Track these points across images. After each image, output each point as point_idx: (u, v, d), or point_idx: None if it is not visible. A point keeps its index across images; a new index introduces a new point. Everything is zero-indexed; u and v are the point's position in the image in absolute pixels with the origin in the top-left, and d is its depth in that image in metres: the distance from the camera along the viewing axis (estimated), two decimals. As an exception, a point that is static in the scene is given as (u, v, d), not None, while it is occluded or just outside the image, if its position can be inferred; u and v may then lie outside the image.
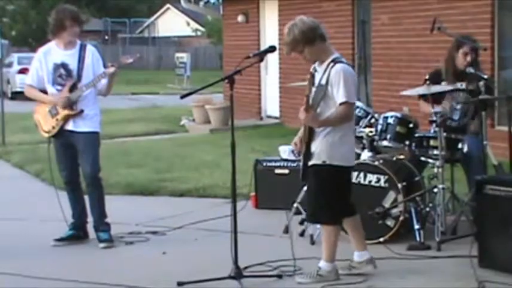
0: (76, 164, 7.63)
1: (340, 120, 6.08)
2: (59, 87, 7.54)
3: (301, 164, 6.26)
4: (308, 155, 6.15)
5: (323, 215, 6.23)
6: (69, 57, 7.54)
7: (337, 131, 6.10)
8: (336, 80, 6.00)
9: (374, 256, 6.47)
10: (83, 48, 7.57)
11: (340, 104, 6.02)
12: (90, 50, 7.60)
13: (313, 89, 6.14)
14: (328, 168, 6.12)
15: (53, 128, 7.57)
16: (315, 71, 6.15)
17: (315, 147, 6.14)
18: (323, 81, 6.06)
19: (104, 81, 7.54)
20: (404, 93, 7.98)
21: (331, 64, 6.07)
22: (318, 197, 6.20)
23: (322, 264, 6.24)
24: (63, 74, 7.53)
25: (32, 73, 7.70)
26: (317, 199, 6.21)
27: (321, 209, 6.20)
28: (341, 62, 6.10)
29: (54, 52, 7.58)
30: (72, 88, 7.48)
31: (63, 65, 7.53)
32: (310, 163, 6.16)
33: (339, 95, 6.01)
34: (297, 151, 6.36)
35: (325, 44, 6.15)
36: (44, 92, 7.64)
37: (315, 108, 6.04)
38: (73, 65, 7.52)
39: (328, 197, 6.16)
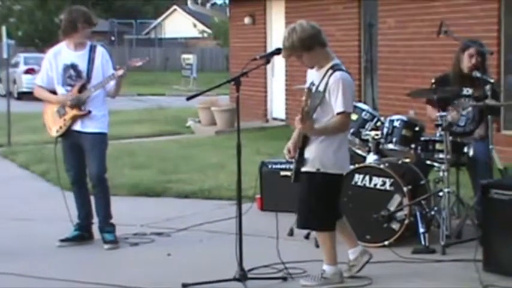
0: (83, 165, 7.64)
1: (337, 129, 6.07)
2: (69, 88, 7.55)
3: (293, 167, 6.22)
4: (301, 160, 6.13)
5: (316, 221, 6.22)
6: (79, 58, 7.55)
7: (332, 138, 6.08)
8: (334, 88, 5.98)
9: (379, 259, 6.48)
10: (92, 50, 7.59)
11: (338, 113, 6.00)
12: (100, 51, 7.61)
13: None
14: (322, 176, 6.09)
15: (60, 128, 7.59)
16: (313, 85, 6.08)
17: (308, 153, 6.10)
18: (321, 88, 6.03)
19: (112, 83, 7.55)
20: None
21: (330, 71, 6.04)
22: (310, 203, 6.16)
23: (326, 267, 6.24)
24: (72, 75, 7.55)
25: (42, 74, 7.72)
26: (309, 206, 6.17)
27: (314, 215, 6.18)
28: (340, 69, 6.06)
29: (64, 53, 7.60)
30: (82, 89, 7.50)
31: (73, 66, 7.55)
32: (303, 169, 6.13)
33: (337, 104, 5.98)
34: (290, 157, 6.31)
35: (324, 50, 6.12)
36: (54, 92, 7.65)
37: (311, 115, 5.99)
38: (83, 66, 7.54)
39: (321, 204, 6.14)
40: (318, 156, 6.07)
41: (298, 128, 6.06)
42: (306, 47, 6.02)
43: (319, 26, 6.12)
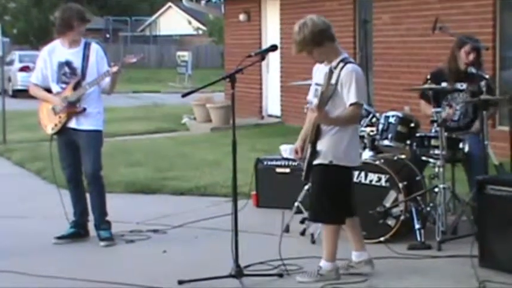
0: (79, 162, 7.62)
1: (350, 120, 6.10)
2: (63, 86, 7.55)
3: (305, 163, 6.25)
4: (313, 154, 6.15)
5: (326, 214, 6.22)
6: (74, 55, 7.54)
7: (344, 131, 6.10)
8: (347, 80, 6.01)
9: (374, 255, 6.48)
10: (87, 47, 7.58)
11: (351, 104, 6.02)
12: (95, 48, 7.60)
13: (320, 88, 6.14)
14: (334, 168, 6.12)
15: (56, 125, 7.58)
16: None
17: (321, 146, 6.13)
18: (332, 81, 6.05)
19: (107, 80, 7.53)
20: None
21: (341, 64, 6.07)
22: (321, 196, 6.19)
23: (323, 263, 6.24)
24: (67, 72, 7.54)
25: (36, 72, 7.71)
26: (320, 198, 6.20)
27: (324, 208, 6.20)
28: (350, 62, 6.11)
29: (58, 50, 7.59)
30: (76, 86, 7.49)
31: (68, 63, 7.53)
32: (315, 162, 6.15)
33: (349, 95, 6.01)
34: (298, 158, 6.32)
35: (334, 45, 6.15)
36: (49, 90, 7.64)
37: (323, 107, 6.03)
38: (77, 63, 7.52)
39: (332, 196, 6.16)
40: (330, 149, 6.09)
41: (314, 117, 6.06)
42: (317, 41, 6.05)
43: (329, 21, 6.15)
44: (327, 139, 6.11)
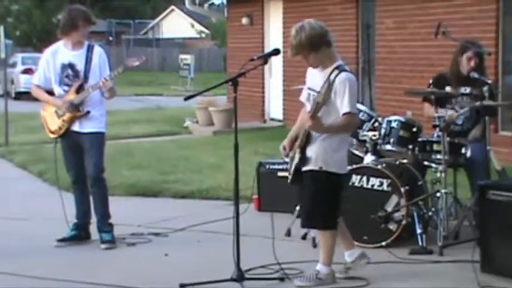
0: (84, 164, 7.61)
1: (343, 129, 6.10)
2: (66, 88, 7.54)
3: (291, 167, 6.24)
4: (303, 160, 6.14)
5: (320, 220, 6.22)
6: (77, 57, 7.54)
7: (333, 138, 6.09)
8: (341, 89, 5.97)
9: (376, 260, 6.47)
10: (90, 49, 7.57)
11: (344, 114, 6.01)
12: (98, 51, 7.60)
13: (313, 94, 6.11)
14: (325, 174, 6.11)
15: (60, 128, 7.57)
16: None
17: (311, 152, 6.12)
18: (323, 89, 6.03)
19: (110, 84, 7.50)
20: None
21: (335, 71, 6.04)
22: (315, 202, 6.17)
23: (320, 267, 6.24)
24: (70, 74, 7.54)
25: (39, 73, 7.70)
26: (314, 204, 6.18)
27: (318, 214, 6.19)
28: (345, 70, 6.07)
29: (61, 52, 7.58)
30: (79, 89, 7.49)
31: (71, 65, 7.53)
32: (305, 168, 6.14)
33: (343, 105, 5.99)
34: (285, 154, 6.33)
35: (330, 50, 6.12)
36: (51, 92, 7.63)
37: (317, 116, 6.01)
38: (80, 66, 7.52)
39: (325, 202, 6.15)
40: (320, 155, 6.09)
41: (307, 125, 6.03)
42: (314, 45, 6.01)
43: (326, 26, 6.12)
44: (316, 145, 6.10)
